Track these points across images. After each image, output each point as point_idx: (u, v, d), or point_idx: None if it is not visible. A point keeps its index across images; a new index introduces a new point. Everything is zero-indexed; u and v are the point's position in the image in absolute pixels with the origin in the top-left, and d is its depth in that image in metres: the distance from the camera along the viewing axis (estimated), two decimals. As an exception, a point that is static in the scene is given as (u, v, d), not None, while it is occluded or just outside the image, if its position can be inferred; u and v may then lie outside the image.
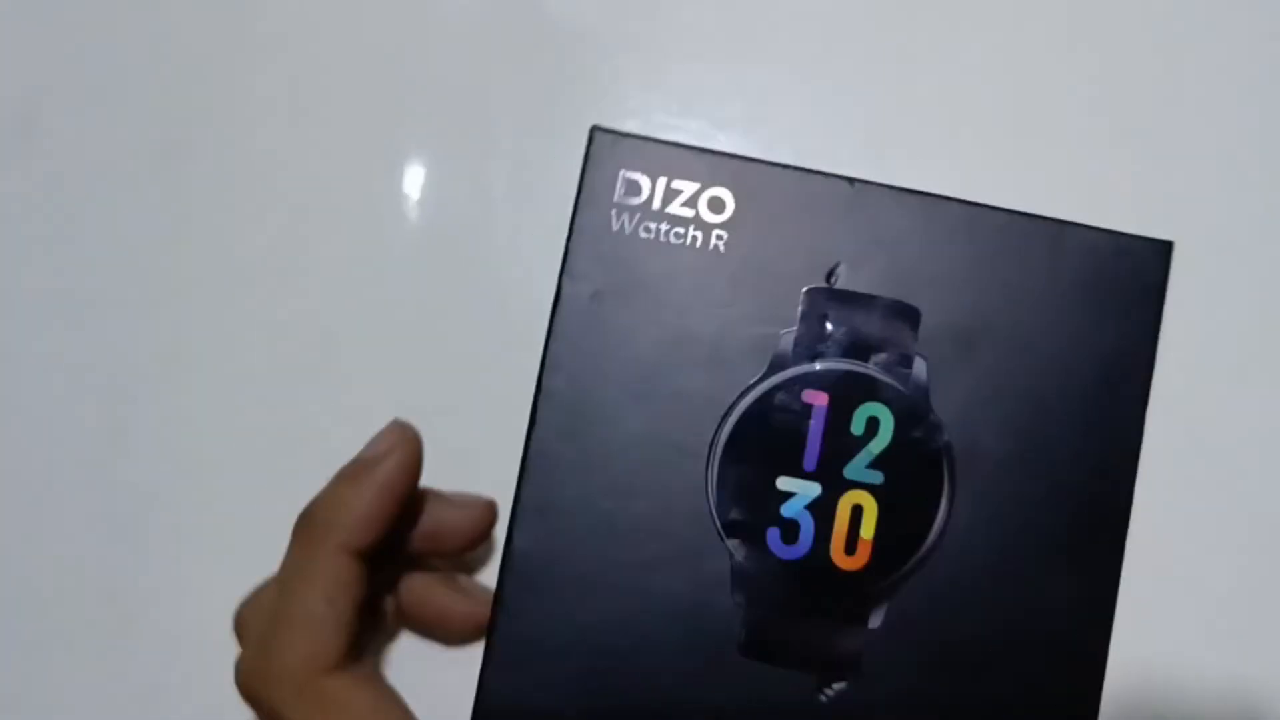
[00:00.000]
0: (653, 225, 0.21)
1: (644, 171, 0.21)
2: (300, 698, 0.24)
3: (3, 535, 0.31)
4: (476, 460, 0.28)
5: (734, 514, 0.21)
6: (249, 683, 0.25)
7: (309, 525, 0.26)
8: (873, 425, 0.21)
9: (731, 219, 0.21)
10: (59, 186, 0.32)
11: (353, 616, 0.25)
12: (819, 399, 0.21)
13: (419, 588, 0.29)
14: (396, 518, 0.26)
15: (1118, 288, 0.21)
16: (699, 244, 0.21)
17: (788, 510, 0.21)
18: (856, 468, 0.21)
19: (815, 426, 0.21)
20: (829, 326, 0.21)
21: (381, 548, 0.26)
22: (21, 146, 0.32)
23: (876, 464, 0.21)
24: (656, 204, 0.21)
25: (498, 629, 0.20)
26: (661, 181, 0.21)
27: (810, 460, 0.21)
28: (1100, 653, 0.21)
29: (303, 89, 0.32)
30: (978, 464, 0.21)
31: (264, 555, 0.26)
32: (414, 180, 0.32)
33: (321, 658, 0.24)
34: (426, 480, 0.27)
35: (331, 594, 0.25)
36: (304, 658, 0.24)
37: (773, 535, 0.21)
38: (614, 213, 0.21)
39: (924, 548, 0.21)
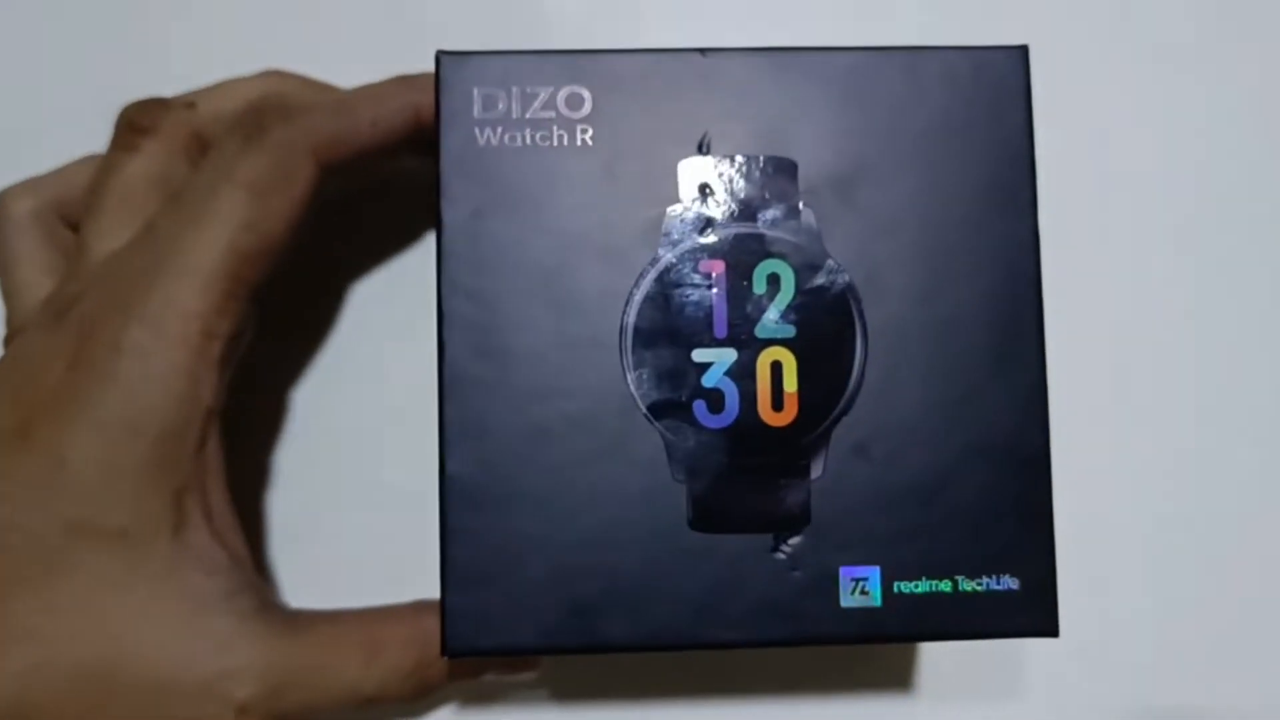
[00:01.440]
0: (517, 134, 0.21)
1: (497, 84, 0.21)
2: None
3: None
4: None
5: (656, 395, 0.21)
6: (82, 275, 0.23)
7: (265, 116, 0.23)
8: (774, 281, 0.21)
9: (592, 112, 0.21)
10: None
11: (270, 257, 0.23)
12: (716, 267, 0.21)
13: None
14: (378, 154, 0.24)
15: (982, 101, 0.22)
16: (566, 142, 0.21)
17: (708, 380, 0.21)
18: (766, 326, 0.21)
19: (718, 294, 0.21)
20: (711, 195, 0.21)
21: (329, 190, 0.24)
22: None
23: (785, 318, 0.21)
24: (516, 113, 0.21)
25: (449, 555, 0.21)
26: (516, 90, 0.21)
27: (720, 327, 0.21)
28: (1043, 447, 0.21)
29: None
30: (884, 298, 0.21)
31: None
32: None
33: (198, 334, 0.22)
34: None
35: (278, 208, 0.23)
36: (183, 316, 0.22)
37: (699, 407, 0.21)
38: (477, 130, 0.21)
39: (849, 389, 0.21)
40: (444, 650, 0.20)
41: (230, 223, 0.22)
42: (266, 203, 0.22)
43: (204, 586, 0.22)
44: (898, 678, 0.29)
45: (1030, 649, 0.29)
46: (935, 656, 0.29)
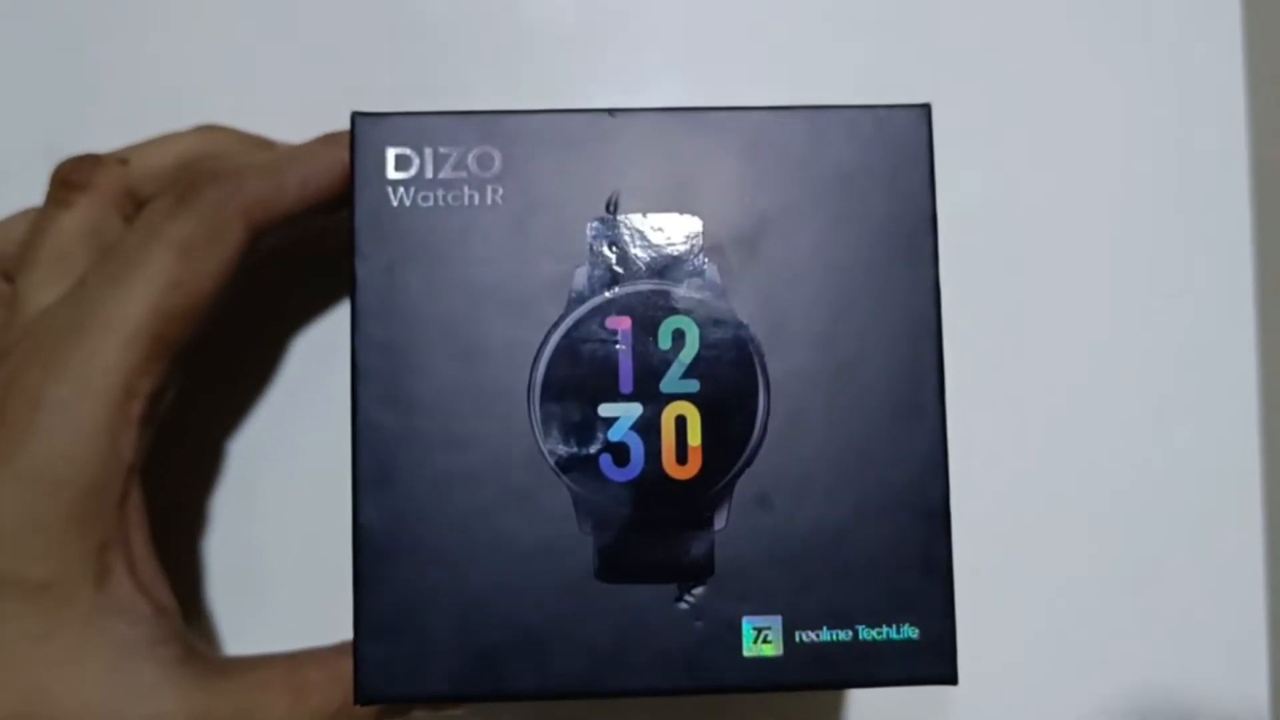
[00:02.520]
0: (430, 193, 0.22)
1: (410, 144, 0.22)
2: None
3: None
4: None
5: (563, 449, 0.21)
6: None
7: (197, 177, 0.24)
8: (679, 337, 0.22)
9: (503, 171, 0.22)
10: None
11: (195, 317, 0.23)
12: (622, 323, 0.22)
13: None
14: (312, 212, 0.25)
15: (886, 156, 0.22)
16: (478, 201, 0.22)
17: (614, 434, 0.21)
18: (671, 380, 0.22)
19: (624, 350, 0.22)
20: (618, 252, 0.22)
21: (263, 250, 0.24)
22: None
23: (689, 373, 0.22)
24: (429, 173, 0.22)
25: (361, 605, 0.21)
26: (429, 151, 0.22)
27: (626, 383, 0.22)
28: (943, 497, 0.21)
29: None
30: (787, 349, 0.22)
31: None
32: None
33: (118, 382, 0.22)
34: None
35: (206, 269, 0.23)
36: (106, 371, 0.22)
37: (605, 461, 0.21)
38: (389, 190, 0.22)
39: (752, 441, 0.22)
40: (356, 698, 0.21)
41: (157, 282, 0.23)
42: (194, 263, 0.23)
43: (127, 636, 0.22)
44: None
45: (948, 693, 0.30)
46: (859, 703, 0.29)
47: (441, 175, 0.22)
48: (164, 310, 0.23)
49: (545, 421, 0.21)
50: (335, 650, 0.24)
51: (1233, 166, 0.31)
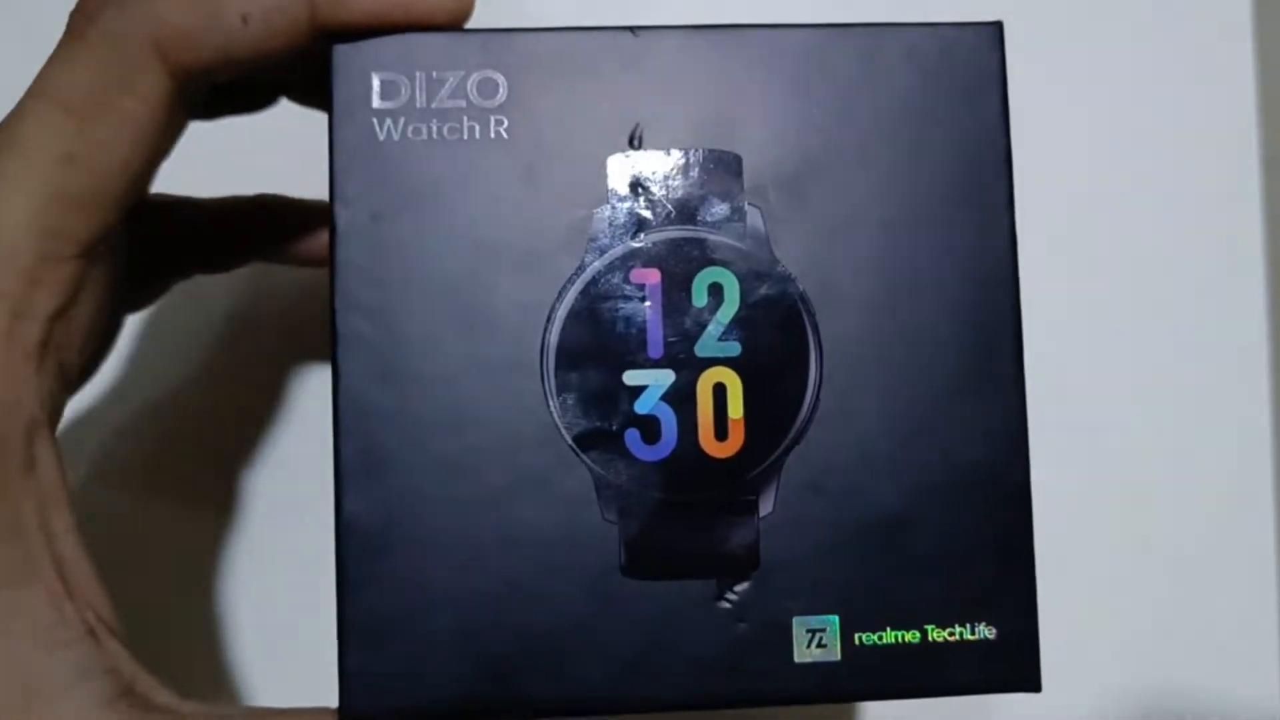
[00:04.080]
0: (422, 126, 0.19)
1: (399, 69, 0.18)
2: None
3: None
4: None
5: (583, 424, 0.18)
6: None
7: (90, 1, 0.17)
8: (716, 292, 0.19)
9: (508, 101, 0.19)
10: None
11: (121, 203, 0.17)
12: (650, 276, 0.19)
13: None
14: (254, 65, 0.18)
15: (952, 85, 0.19)
16: (479, 135, 0.19)
17: (642, 406, 0.18)
18: (708, 343, 0.19)
19: (652, 307, 0.19)
20: (644, 194, 0.19)
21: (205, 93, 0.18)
22: None
23: (729, 334, 0.19)
24: (421, 101, 0.19)
25: (347, 609, 0.18)
26: (420, 76, 0.19)
27: (655, 346, 0.19)
28: (1023, 477, 0.19)
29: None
30: (840, 309, 0.19)
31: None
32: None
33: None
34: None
35: (111, 134, 0.17)
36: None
37: (632, 437, 0.18)
38: (375, 121, 0.18)
39: (802, 414, 0.19)
40: (341, 714, 0.18)
41: (42, 156, 0.17)
42: (92, 125, 0.17)
43: (43, 666, 0.17)
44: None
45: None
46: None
47: (436, 104, 0.19)
48: (56, 193, 0.17)
49: (561, 393, 0.18)
50: (315, 713, 0.19)
51: (1244, 155, 0.30)
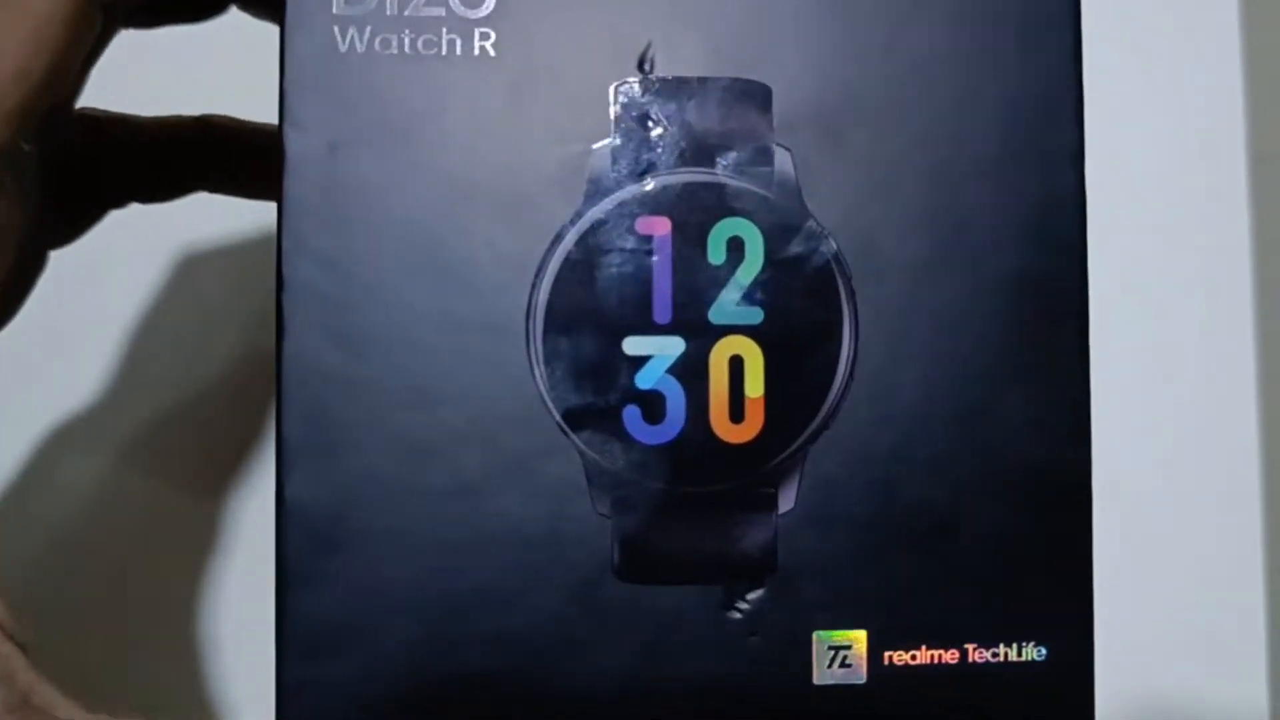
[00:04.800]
0: (392, 37, 0.15)
1: (365, -33, 0.15)
2: None
3: None
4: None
5: (574, 399, 0.16)
6: None
7: None
8: (736, 247, 0.16)
9: (495, 11, 0.16)
10: None
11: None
12: (659, 226, 0.16)
13: None
14: None
15: (1019, 15, 0.16)
16: (460, 50, 0.16)
17: (645, 380, 0.16)
18: (724, 308, 0.16)
19: (660, 264, 0.16)
20: (655, 128, 0.16)
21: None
22: None
23: (750, 298, 0.16)
24: (391, 8, 0.15)
25: (288, 611, 0.15)
26: (392, -24, 0.15)
27: (662, 310, 0.16)
28: (1083, 475, 0.16)
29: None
30: (880, 273, 0.16)
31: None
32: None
33: None
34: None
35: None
36: None
37: (631, 416, 0.16)
38: (336, 29, 0.15)
39: (831, 395, 0.16)
40: (280, 736, 0.15)
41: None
42: None
43: None
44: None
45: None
46: None
47: (409, 11, 0.15)
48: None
49: (549, 362, 0.16)
50: None
51: (1231, 156, 0.30)
